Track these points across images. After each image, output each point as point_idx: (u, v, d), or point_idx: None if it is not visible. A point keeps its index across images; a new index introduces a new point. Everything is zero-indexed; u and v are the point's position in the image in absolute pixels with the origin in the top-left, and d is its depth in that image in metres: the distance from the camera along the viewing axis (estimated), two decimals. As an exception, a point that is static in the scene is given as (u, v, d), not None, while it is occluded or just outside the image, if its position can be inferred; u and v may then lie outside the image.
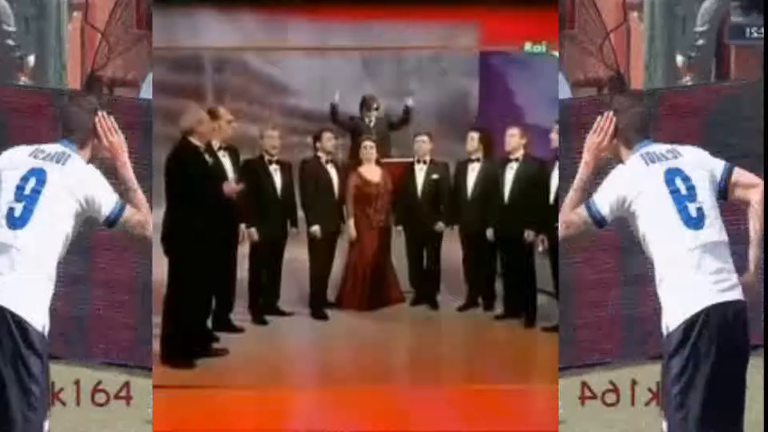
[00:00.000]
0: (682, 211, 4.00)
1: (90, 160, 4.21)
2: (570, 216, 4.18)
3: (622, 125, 4.21)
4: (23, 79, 8.29)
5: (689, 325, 3.89)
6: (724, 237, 4.02)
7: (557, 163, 8.10)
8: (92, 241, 6.68)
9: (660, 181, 4.06)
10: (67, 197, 4.05)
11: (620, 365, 6.95)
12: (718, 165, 4.16)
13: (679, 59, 8.74)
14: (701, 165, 4.13)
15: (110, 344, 7.04)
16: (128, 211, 4.13)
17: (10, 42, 8.41)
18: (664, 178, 4.06)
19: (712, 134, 6.68)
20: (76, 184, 4.07)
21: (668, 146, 4.18)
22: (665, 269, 3.99)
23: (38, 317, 3.92)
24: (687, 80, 8.61)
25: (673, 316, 3.94)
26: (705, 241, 3.97)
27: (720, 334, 3.89)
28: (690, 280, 3.94)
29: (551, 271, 8.30)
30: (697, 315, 3.89)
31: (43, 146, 4.18)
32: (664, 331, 3.98)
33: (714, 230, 4.00)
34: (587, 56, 8.34)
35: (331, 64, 10.69)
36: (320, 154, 9.00)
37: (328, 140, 9.00)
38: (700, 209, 4.01)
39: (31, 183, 4.03)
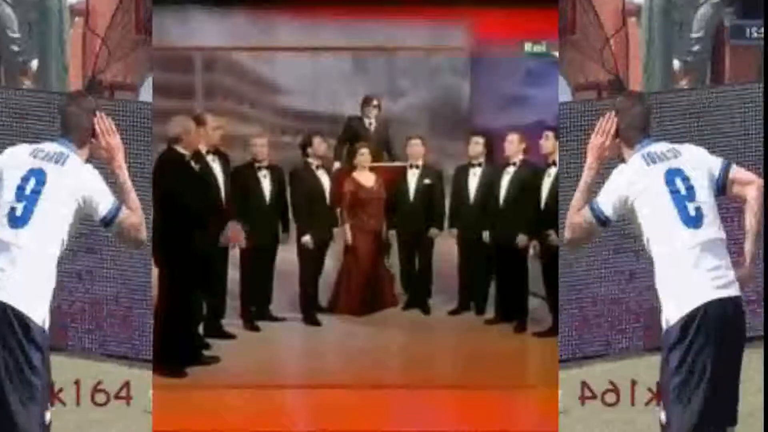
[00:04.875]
0: (682, 211, 4.12)
1: (88, 160, 4.28)
2: (575, 218, 4.25)
3: (623, 125, 4.32)
4: (26, 83, 8.58)
5: (688, 320, 4.02)
6: (722, 235, 4.16)
7: (547, 170, 8.20)
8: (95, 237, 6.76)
9: (660, 181, 4.17)
10: (66, 197, 4.14)
11: (618, 358, 7.15)
12: (716, 162, 4.27)
13: (676, 64, 9.00)
14: (700, 163, 4.25)
15: (110, 336, 7.21)
16: (123, 213, 4.19)
17: (14, 47, 8.70)
18: (664, 179, 4.17)
19: (708, 135, 7.07)
20: (74, 184, 4.16)
21: (668, 146, 4.30)
22: (665, 266, 4.12)
23: (39, 312, 4.03)
24: (683, 84, 8.90)
25: (672, 312, 4.07)
26: (703, 239, 4.10)
27: (718, 328, 4.02)
28: (689, 277, 4.07)
29: (542, 275, 8.31)
30: (696, 310, 4.02)
31: (42, 145, 4.27)
32: (664, 326, 4.11)
33: (712, 229, 4.13)
34: (588, 61, 8.58)
35: (322, 64, 10.58)
36: (311, 160, 8.93)
37: (319, 144, 8.94)
38: (698, 209, 4.13)
39: (31, 183, 4.13)
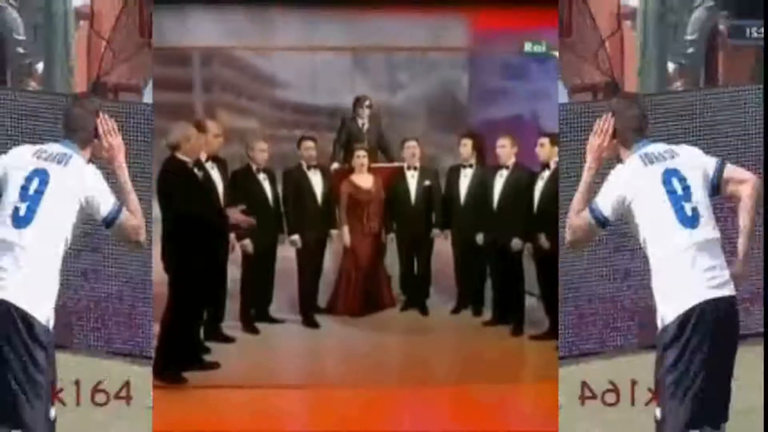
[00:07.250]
0: (679, 211, 4.21)
1: (90, 161, 4.38)
2: (575, 221, 4.34)
3: (620, 126, 4.39)
4: (32, 85, 8.83)
5: (684, 319, 4.12)
6: (717, 234, 4.25)
7: (540, 173, 8.21)
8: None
9: (658, 182, 4.25)
10: (69, 197, 4.23)
11: (614, 355, 7.33)
12: (711, 162, 4.34)
13: (671, 66, 9.15)
14: (695, 163, 4.32)
15: (112, 334, 7.38)
16: (124, 215, 4.29)
17: (20, 50, 8.96)
18: (661, 179, 4.25)
19: (702, 136, 7.25)
20: (77, 185, 4.25)
21: (665, 146, 4.38)
22: (662, 266, 4.21)
23: (43, 312, 4.12)
24: (678, 85, 9.02)
25: (669, 311, 4.16)
26: (699, 239, 4.19)
27: (713, 327, 4.12)
28: (685, 277, 4.16)
29: (537, 276, 8.37)
30: (692, 310, 4.12)
31: (45, 146, 4.38)
32: (660, 324, 4.21)
33: (708, 229, 4.22)
34: (583, 63, 8.73)
35: (321, 57, 10.57)
36: (302, 161, 8.96)
37: (306, 150, 8.95)
38: (695, 209, 4.22)
39: (35, 184, 4.22)
